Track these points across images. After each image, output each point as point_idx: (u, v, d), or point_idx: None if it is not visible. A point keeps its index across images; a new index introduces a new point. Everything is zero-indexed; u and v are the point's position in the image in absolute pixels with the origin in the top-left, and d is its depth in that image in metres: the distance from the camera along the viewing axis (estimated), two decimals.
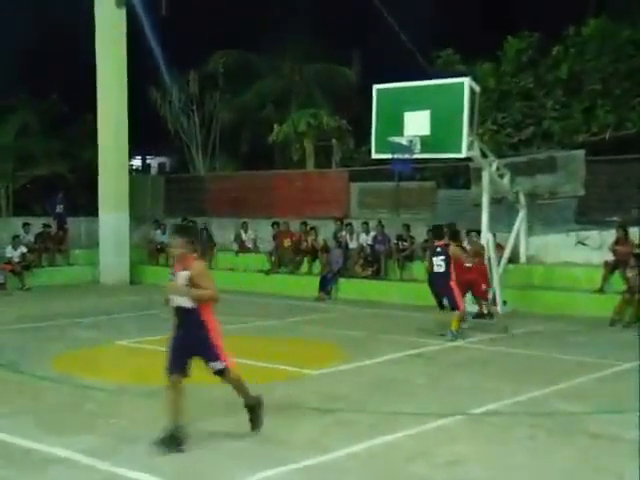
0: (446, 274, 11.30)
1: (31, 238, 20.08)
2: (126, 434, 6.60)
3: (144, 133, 23.13)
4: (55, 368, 9.40)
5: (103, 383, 8.55)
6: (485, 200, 14.13)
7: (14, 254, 18.92)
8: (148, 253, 21.49)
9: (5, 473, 5.69)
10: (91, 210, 21.01)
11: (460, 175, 19.13)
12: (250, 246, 20.32)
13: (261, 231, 20.22)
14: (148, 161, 37.68)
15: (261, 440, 6.43)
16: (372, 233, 17.87)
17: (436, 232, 12.08)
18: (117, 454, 6.05)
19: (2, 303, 16.25)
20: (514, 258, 15.59)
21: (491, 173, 14.21)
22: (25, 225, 20.34)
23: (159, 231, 21.37)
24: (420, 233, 17.16)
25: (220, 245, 20.66)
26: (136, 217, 21.27)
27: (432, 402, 7.79)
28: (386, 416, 7.26)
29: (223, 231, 21.05)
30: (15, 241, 19.17)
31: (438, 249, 11.52)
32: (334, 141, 24.91)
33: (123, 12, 19.95)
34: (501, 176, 14.77)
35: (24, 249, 19.14)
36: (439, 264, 11.36)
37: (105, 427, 6.80)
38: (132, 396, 8.01)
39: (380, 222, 17.83)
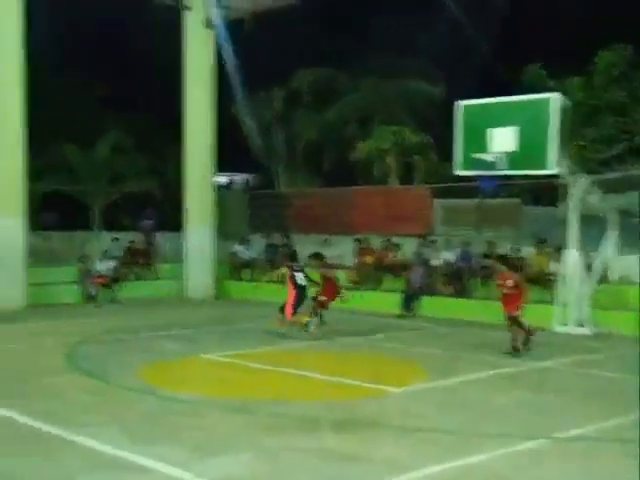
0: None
1: (120, 252, 20.68)
2: (209, 446, 6.68)
3: (229, 150, 23.57)
4: (141, 379, 9.62)
5: (188, 395, 8.69)
6: (572, 217, 13.76)
7: (104, 267, 19.53)
8: (232, 269, 21.80)
9: (96, 477, 5.84)
10: (178, 225, 21.50)
11: (547, 192, 18.71)
12: (332, 262, 20.33)
13: (343, 248, 20.24)
14: (233, 178, 38.32)
15: (342, 456, 6.39)
16: (455, 250, 17.65)
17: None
18: (200, 466, 6.12)
19: (93, 315, 16.77)
20: (604, 278, 15.10)
21: (580, 190, 13.84)
22: (115, 239, 21.00)
23: (243, 247, 21.69)
24: (504, 251, 16.82)
25: (302, 261, 20.74)
26: (221, 233, 21.64)
27: (516, 424, 7.60)
28: (469, 437, 7.11)
29: (305, 247, 21.15)
30: (105, 255, 19.80)
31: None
32: (417, 157, 24.80)
33: (211, 32, 20.47)
34: (590, 193, 14.36)
35: (114, 263, 19.74)
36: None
37: (188, 438, 6.90)
38: (216, 409, 8.11)
39: (464, 240, 17.60)
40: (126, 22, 23.55)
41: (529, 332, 11.58)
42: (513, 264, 12.56)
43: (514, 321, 11.54)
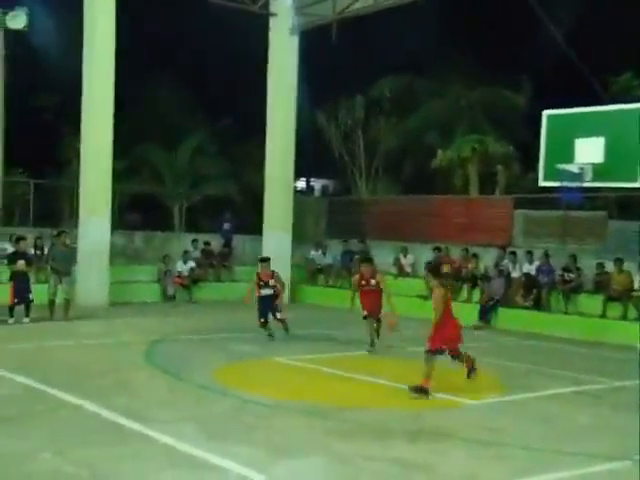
0: None
1: (199, 254, 21.03)
2: (282, 449, 6.69)
3: (309, 155, 23.71)
4: (216, 379, 9.73)
5: (261, 397, 8.73)
6: None
7: (184, 268, 19.91)
8: (308, 273, 21.88)
9: (168, 475, 5.92)
10: (256, 229, 21.71)
11: (635, 205, 18.11)
12: (409, 270, 20.21)
13: (420, 256, 20.06)
14: (312, 183, 38.54)
15: (414, 467, 6.30)
16: (536, 263, 17.26)
17: None
18: (274, 468, 6.13)
19: (171, 315, 17.09)
20: None
21: None
22: (194, 241, 21.37)
23: (319, 252, 21.75)
24: (587, 265, 16.37)
25: (379, 268, 20.66)
26: (298, 237, 21.75)
27: (597, 443, 7.33)
28: (547, 454, 6.90)
29: (382, 254, 21.06)
30: (185, 256, 20.18)
31: None
32: (499, 167, 24.37)
33: (296, 38, 20.64)
34: None
35: (193, 264, 20.10)
36: None
37: (262, 440, 6.93)
38: (288, 412, 8.12)
39: (545, 252, 17.20)
40: (212, 27, 23.95)
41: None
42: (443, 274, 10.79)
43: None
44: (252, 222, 22.63)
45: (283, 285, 14.31)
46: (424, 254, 19.66)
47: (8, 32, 19.23)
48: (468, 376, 9.47)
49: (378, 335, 12.57)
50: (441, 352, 9.10)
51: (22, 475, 5.81)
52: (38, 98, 26.79)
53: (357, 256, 20.12)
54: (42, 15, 19.95)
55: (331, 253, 21.70)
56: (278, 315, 13.61)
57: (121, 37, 17.96)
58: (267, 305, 13.57)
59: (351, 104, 26.39)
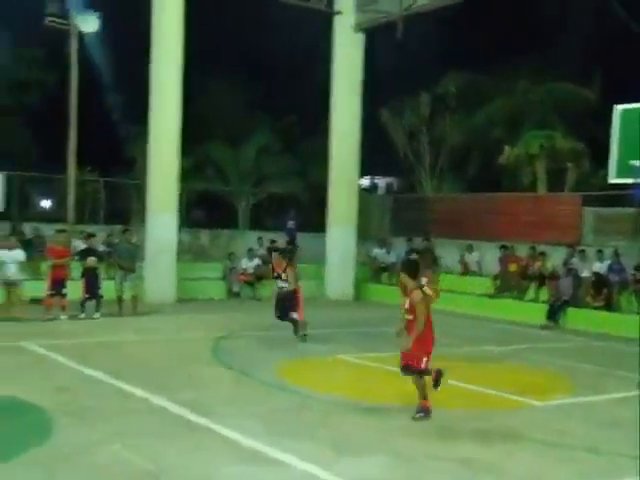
0: None
1: (264, 251, 21.19)
2: (346, 447, 6.68)
3: (374, 153, 23.61)
4: (280, 375, 9.79)
5: (325, 394, 8.75)
6: None
7: (248, 265, 20.11)
8: (372, 271, 21.83)
9: (233, 470, 5.98)
10: (320, 226, 21.76)
11: None
12: (474, 269, 19.97)
13: (486, 254, 19.79)
14: (376, 181, 38.44)
15: (479, 467, 6.22)
16: (606, 262, 16.83)
17: None
18: (337, 465, 6.13)
19: (236, 311, 17.28)
20: None
21: None
22: (259, 239, 21.57)
23: (384, 250, 21.67)
24: None
25: (444, 266, 20.51)
26: (362, 235, 21.71)
27: None
28: (614, 458, 6.72)
29: (447, 252, 20.88)
30: (250, 253, 20.38)
31: None
32: (569, 165, 23.83)
33: (361, 36, 20.59)
34: None
35: (258, 261, 20.27)
36: None
37: (325, 437, 6.94)
38: (352, 410, 8.11)
39: (615, 250, 16.75)
40: (277, 26, 24.13)
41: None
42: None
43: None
44: (316, 220, 22.68)
45: (296, 281, 13.01)
46: (490, 252, 19.41)
47: (80, 35, 19.73)
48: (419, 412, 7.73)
49: None
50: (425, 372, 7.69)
51: (93, 465, 5.95)
52: (108, 98, 27.45)
53: (422, 253, 20.00)
54: (112, 18, 20.39)
55: (395, 251, 21.60)
56: (292, 315, 12.78)
57: (188, 37, 18.25)
58: (284, 300, 12.86)
59: (416, 102, 26.16)
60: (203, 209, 27.50)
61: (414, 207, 23.91)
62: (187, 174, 21.33)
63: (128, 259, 15.69)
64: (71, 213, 19.89)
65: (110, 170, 25.55)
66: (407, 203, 24.70)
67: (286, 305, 12.83)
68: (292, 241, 22.39)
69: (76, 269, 16.26)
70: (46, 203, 28.66)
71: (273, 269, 13.20)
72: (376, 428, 7.41)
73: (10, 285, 14.33)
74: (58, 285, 14.58)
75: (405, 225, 23.15)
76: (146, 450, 6.37)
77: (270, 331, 13.96)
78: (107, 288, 15.36)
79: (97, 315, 14.82)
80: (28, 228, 19.62)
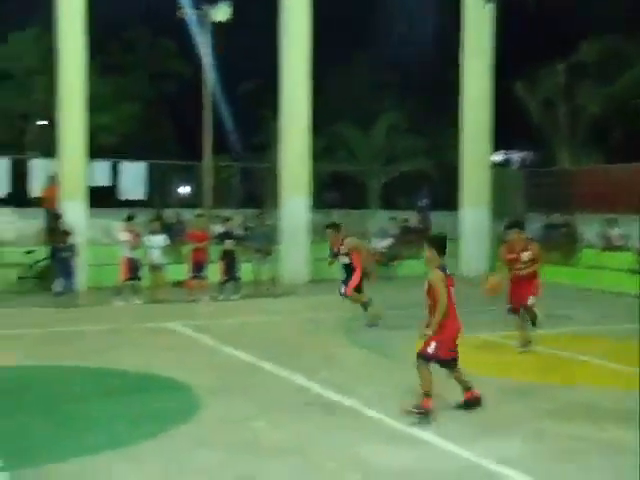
0: None
1: (396, 231, 21.13)
2: (489, 427, 6.57)
3: (506, 127, 22.97)
4: (412, 353, 9.72)
5: (465, 373, 8.61)
6: None
7: (381, 245, 20.11)
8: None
9: (376, 448, 6.02)
10: (452, 205, 21.44)
11: None
12: (618, 243, 19.06)
13: (631, 228, 18.82)
14: (509, 156, 37.39)
15: (626, 449, 5.94)
16: None
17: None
18: (480, 445, 6.03)
19: (368, 290, 17.29)
20: None
21: None
22: (392, 219, 21.51)
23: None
24: None
25: (585, 242, 19.73)
26: (496, 212, 21.20)
27: None
28: None
29: (588, 227, 20.02)
30: (382, 232, 20.38)
31: None
32: None
33: (491, 6, 19.99)
34: None
35: (390, 241, 20.24)
36: None
37: (468, 416, 6.85)
38: (495, 389, 7.95)
39: None
40: (405, 5, 23.88)
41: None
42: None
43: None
44: (448, 198, 22.36)
45: (360, 254, 12.24)
46: (636, 227, 18.45)
47: (213, 24, 20.34)
48: (466, 406, 7.03)
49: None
50: (442, 361, 6.96)
51: (239, 441, 6.15)
52: (240, 85, 28.12)
53: (561, 229, 19.35)
54: (242, 5, 20.87)
55: (531, 227, 20.93)
56: (342, 289, 12.08)
57: (315, 18, 18.38)
58: (346, 276, 12.16)
59: (552, 71, 25.14)
60: (334, 190, 27.74)
61: (551, 181, 23.05)
62: (318, 156, 21.54)
63: (264, 242, 16.09)
64: (208, 198, 20.61)
65: (247, 155, 26.22)
66: (544, 177, 23.85)
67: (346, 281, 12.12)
68: (424, 220, 22.19)
69: (215, 252, 16.84)
70: (184, 189, 29.80)
71: (332, 246, 12.47)
72: (522, 408, 7.24)
73: (155, 269, 15.03)
74: (198, 268, 15.14)
75: (542, 200, 22.39)
76: (289, 427, 6.52)
77: (405, 310, 13.90)
78: (245, 270, 15.82)
79: (235, 297, 15.28)
80: (169, 214, 20.45)
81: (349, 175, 27.81)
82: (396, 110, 27.64)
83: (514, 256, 9.79)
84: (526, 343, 9.92)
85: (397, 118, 27.54)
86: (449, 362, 6.96)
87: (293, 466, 5.61)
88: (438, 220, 22.54)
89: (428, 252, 6.95)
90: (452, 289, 6.89)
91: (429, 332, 6.77)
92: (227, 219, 16.97)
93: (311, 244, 18.86)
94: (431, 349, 6.76)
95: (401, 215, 21.92)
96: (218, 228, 18.53)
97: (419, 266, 20.42)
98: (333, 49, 25.94)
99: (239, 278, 15.45)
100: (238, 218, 20.01)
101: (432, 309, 6.82)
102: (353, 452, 5.91)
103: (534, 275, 10.01)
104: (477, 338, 11.16)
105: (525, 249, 9.74)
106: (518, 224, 10.19)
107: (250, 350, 9.76)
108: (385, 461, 5.74)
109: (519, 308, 9.98)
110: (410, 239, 21.35)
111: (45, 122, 25.93)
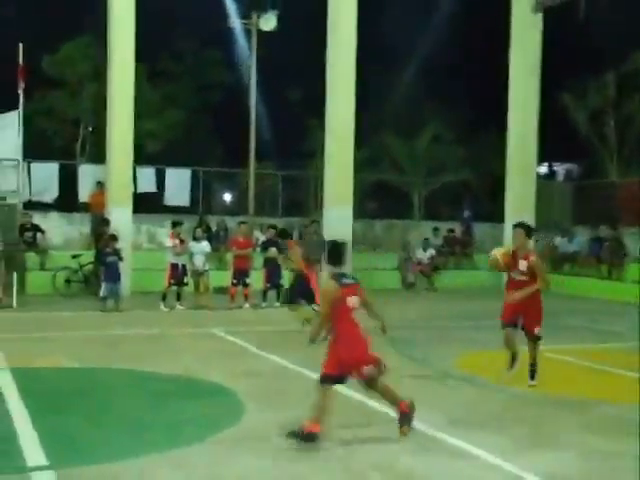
0: None
1: (439, 242, 21.04)
2: (533, 441, 6.49)
3: (552, 139, 22.73)
4: (460, 367, 9.67)
5: (508, 387, 8.53)
6: None
7: (424, 256, 20.04)
8: (552, 261, 21.02)
9: (419, 460, 5.98)
10: (496, 216, 21.26)
11: None
12: None
13: None
14: (555, 167, 36.96)
15: None
16: None
17: None
18: (523, 459, 5.96)
19: (411, 301, 17.27)
20: None
21: None
22: (435, 229, 21.42)
23: (565, 239, 20.83)
24: None
25: (632, 256, 19.38)
26: (540, 224, 20.95)
27: None
28: None
29: (636, 241, 19.68)
30: (425, 244, 20.30)
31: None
32: None
33: (540, 16, 19.83)
34: None
35: (433, 252, 20.16)
36: None
37: (510, 430, 6.77)
38: (539, 403, 7.87)
39: None
40: (452, 11, 23.80)
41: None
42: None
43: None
44: (492, 209, 22.18)
45: (303, 262, 12.22)
46: None
47: (260, 33, 20.53)
48: (400, 425, 6.38)
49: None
50: (339, 380, 6.29)
51: (283, 447, 6.15)
52: (287, 94, 28.33)
53: (608, 243, 19.07)
54: (290, 15, 21.01)
55: (577, 240, 20.68)
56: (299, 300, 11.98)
57: (361, 29, 18.45)
58: (296, 282, 12.33)
59: (601, 82, 24.80)
60: (377, 199, 27.70)
61: (599, 194, 22.71)
62: (362, 165, 21.58)
63: (316, 251, 16.09)
64: (251, 206, 20.74)
65: (290, 164, 26.35)
66: (591, 189, 23.51)
67: (298, 289, 12.07)
68: (468, 231, 22.04)
69: (258, 260, 16.94)
70: (227, 197, 30.04)
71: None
72: (563, 422, 7.13)
73: (198, 275, 15.17)
74: (241, 275, 15.25)
75: (589, 213, 22.07)
76: (332, 434, 6.50)
77: (448, 322, 13.84)
78: (288, 278, 15.85)
79: (277, 304, 15.34)
80: (213, 221, 20.65)
81: (392, 185, 27.74)
82: (441, 120, 27.53)
83: (512, 261, 8.55)
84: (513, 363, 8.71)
85: (441, 128, 27.42)
86: (342, 380, 6.27)
87: (336, 474, 5.60)
88: (482, 232, 22.39)
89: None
90: (352, 298, 6.24)
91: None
92: (272, 227, 17.08)
93: (353, 253, 18.83)
94: (328, 368, 6.19)
95: (443, 226, 21.80)
96: (260, 235, 18.65)
97: (461, 277, 20.47)
98: (380, 59, 26.00)
99: (282, 286, 15.51)
100: (280, 227, 20.11)
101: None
102: (396, 462, 5.88)
103: (536, 297, 8.65)
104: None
105: (525, 258, 8.46)
106: (525, 226, 8.82)
107: (292, 357, 9.78)
108: (428, 472, 5.70)
109: (512, 324, 8.64)
110: (453, 250, 21.26)
111: (94, 128, 26.40)
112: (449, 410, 7.43)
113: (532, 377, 8.55)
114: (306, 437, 5.99)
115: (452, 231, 21.55)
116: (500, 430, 6.75)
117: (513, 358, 8.64)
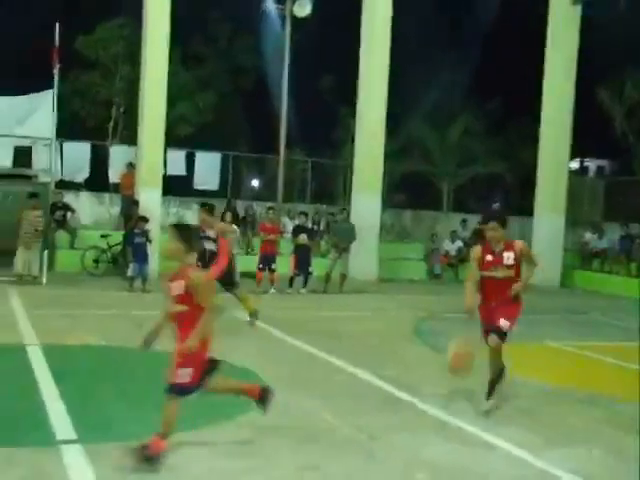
0: None
1: (467, 234, 20.91)
2: (560, 436, 6.44)
3: (585, 134, 22.46)
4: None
5: (536, 382, 8.48)
6: None
7: (451, 247, 19.94)
8: (581, 257, 20.85)
9: (442, 448, 5.97)
10: (525, 210, 21.09)
11: None
12: None
13: None
14: (586, 163, 36.58)
15: None
16: None
17: None
18: (550, 454, 5.91)
19: (437, 293, 17.20)
20: None
21: None
22: (463, 221, 21.30)
23: (595, 235, 20.61)
24: None
25: None
26: (571, 220, 20.77)
27: None
28: None
29: None
30: (453, 235, 20.20)
31: None
32: None
33: (578, 9, 19.56)
34: None
35: (460, 244, 20.05)
36: None
37: (539, 425, 6.72)
38: (566, 399, 7.81)
39: None
40: (487, 5, 23.55)
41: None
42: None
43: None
44: (522, 203, 21.99)
45: (227, 243, 10.71)
46: None
47: (294, 19, 20.49)
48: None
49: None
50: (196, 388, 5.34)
51: (305, 431, 6.18)
52: (320, 81, 28.26)
53: (638, 240, 18.84)
54: (324, 2, 20.95)
55: (608, 237, 20.45)
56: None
57: (395, 18, 18.32)
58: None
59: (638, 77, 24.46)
60: (406, 190, 27.61)
61: (632, 191, 22.43)
62: (392, 155, 21.49)
63: (345, 238, 16.10)
64: (280, 192, 20.76)
65: (320, 151, 26.33)
66: (624, 186, 23.24)
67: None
68: None
69: (285, 246, 16.96)
70: (256, 182, 30.12)
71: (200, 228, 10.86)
72: (594, 419, 7.07)
73: None
74: (268, 260, 15.27)
75: (620, 210, 21.82)
76: (354, 421, 6.51)
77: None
78: (316, 265, 15.90)
79: (303, 291, 15.36)
80: (240, 205, 20.71)
81: (422, 176, 27.62)
82: (473, 112, 27.33)
83: (492, 258, 6.98)
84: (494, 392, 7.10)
85: (474, 120, 27.23)
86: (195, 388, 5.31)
87: (357, 460, 5.61)
88: (511, 225, 22.17)
89: (174, 244, 5.32)
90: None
91: (190, 349, 5.13)
92: (302, 213, 17.07)
93: (381, 243, 18.82)
94: (184, 377, 5.19)
95: (472, 218, 21.66)
96: (288, 222, 18.67)
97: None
98: (412, 49, 25.82)
99: (310, 273, 15.53)
100: (311, 213, 20.15)
101: (186, 319, 5.24)
102: (419, 451, 5.86)
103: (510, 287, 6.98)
104: (544, 345, 10.97)
105: (509, 248, 6.96)
106: (498, 217, 7.24)
107: (316, 343, 9.80)
108: (452, 462, 5.68)
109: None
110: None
111: (126, 110, 26.56)
112: (473, 401, 7.39)
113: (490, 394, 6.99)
114: (147, 457, 5.11)
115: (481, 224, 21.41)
116: (524, 424, 6.70)
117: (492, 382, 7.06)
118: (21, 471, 4.95)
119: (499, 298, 6.98)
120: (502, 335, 7.00)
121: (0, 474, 4.92)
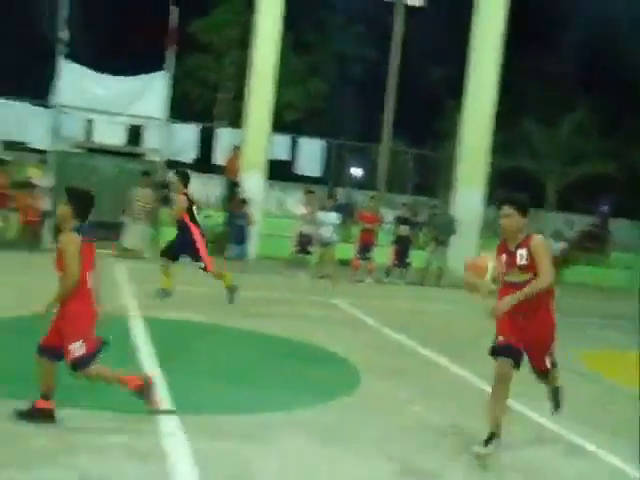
0: None
1: (572, 234, 20.31)
2: None
3: None
4: (585, 365, 9.35)
5: (629, 387, 8.19)
6: None
7: (554, 248, 19.38)
8: None
9: (540, 452, 5.85)
10: (636, 213, 20.28)
11: None
12: None
13: None
14: None
15: None
16: None
17: None
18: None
19: None
20: None
21: None
22: (569, 222, 20.69)
23: None
24: None
25: None
26: None
27: None
28: None
29: None
30: (556, 235, 19.65)
31: None
32: None
33: None
34: None
35: (564, 244, 19.49)
36: None
37: (629, 432, 6.49)
38: None
39: None
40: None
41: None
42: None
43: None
44: (635, 206, 21.17)
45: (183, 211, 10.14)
46: None
47: (407, 9, 20.35)
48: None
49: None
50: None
51: (396, 422, 6.16)
52: (429, 73, 27.99)
53: None
54: None
55: None
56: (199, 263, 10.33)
57: (510, 9, 17.94)
58: (181, 240, 10.39)
59: None
60: (510, 186, 27.00)
61: None
62: (498, 149, 21.07)
63: (445, 232, 15.97)
64: (382, 181, 20.70)
65: (424, 143, 26.11)
66: None
67: (180, 248, 10.22)
68: (603, 224, 21.14)
69: (383, 237, 16.92)
70: (357, 170, 30.13)
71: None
72: None
73: (325, 245, 15.34)
74: (365, 249, 15.30)
75: None
76: (446, 415, 6.46)
77: (570, 317, 13.34)
78: (415, 257, 15.82)
79: (401, 281, 15.31)
80: (341, 193, 20.76)
81: (527, 172, 26.97)
82: (585, 109, 26.45)
83: (507, 259, 5.54)
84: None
85: (585, 117, 26.35)
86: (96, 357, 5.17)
87: (449, 454, 5.56)
88: (619, 229, 21.41)
89: (64, 208, 5.12)
90: (92, 259, 5.19)
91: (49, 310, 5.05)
92: (404, 204, 16.97)
93: (480, 239, 18.51)
94: (78, 350, 5.04)
95: (579, 219, 21.02)
96: (387, 212, 18.61)
97: (592, 274, 19.67)
98: (524, 43, 25.20)
99: (409, 264, 15.48)
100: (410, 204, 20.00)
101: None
102: (516, 453, 5.76)
103: (546, 303, 5.86)
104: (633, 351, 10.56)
105: (524, 245, 5.49)
106: (515, 201, 5.67)
107: (410, 335, 9.77)
108: (550, 466, 5.57)
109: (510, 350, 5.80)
110: (587, 245, 20.43)
111: (236, 94, 27.05)
112: (572, 406, 7.19)
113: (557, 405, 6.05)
114: (33, 414, 5.16)
115: (596, 226, 20.66)
116: (619, 432, 6.49)
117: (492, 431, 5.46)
118: (123, 438, 5.14)
119: (528, 312, 5.58)
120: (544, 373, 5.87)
121: (106, 439, 5.12)
